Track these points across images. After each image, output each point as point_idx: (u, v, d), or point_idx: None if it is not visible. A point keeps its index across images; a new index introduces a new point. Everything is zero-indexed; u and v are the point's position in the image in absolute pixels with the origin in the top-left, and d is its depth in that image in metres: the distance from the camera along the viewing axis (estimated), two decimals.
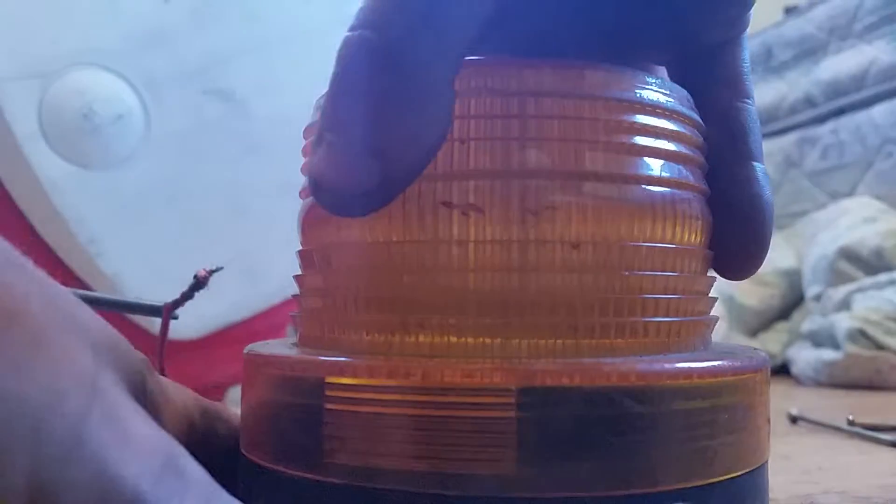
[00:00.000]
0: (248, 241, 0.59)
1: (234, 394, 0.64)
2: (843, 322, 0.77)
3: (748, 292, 0.93)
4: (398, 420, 0.16)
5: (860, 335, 0.75)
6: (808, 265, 0.90)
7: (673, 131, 0.19)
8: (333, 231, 0.19)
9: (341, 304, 0.19)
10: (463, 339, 0.17)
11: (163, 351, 0.31)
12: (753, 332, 0.93)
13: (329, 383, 0.17)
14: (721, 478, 0.17)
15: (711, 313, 0.21)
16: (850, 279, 0.84)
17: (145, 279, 0.54)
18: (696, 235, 0.19)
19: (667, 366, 0.17)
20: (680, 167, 0.19)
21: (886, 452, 0.44)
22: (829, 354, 0.77)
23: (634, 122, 0.18)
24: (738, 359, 0.18)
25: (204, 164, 0.59)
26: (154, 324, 0.53)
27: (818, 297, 0.87)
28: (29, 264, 0.14)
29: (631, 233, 0.18)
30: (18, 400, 0.12)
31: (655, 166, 0.18)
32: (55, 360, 0.13)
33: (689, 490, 0.16)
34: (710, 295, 0.21)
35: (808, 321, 0.86)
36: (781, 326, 0.95)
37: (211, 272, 0.31)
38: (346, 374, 0.17)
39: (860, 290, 0.81)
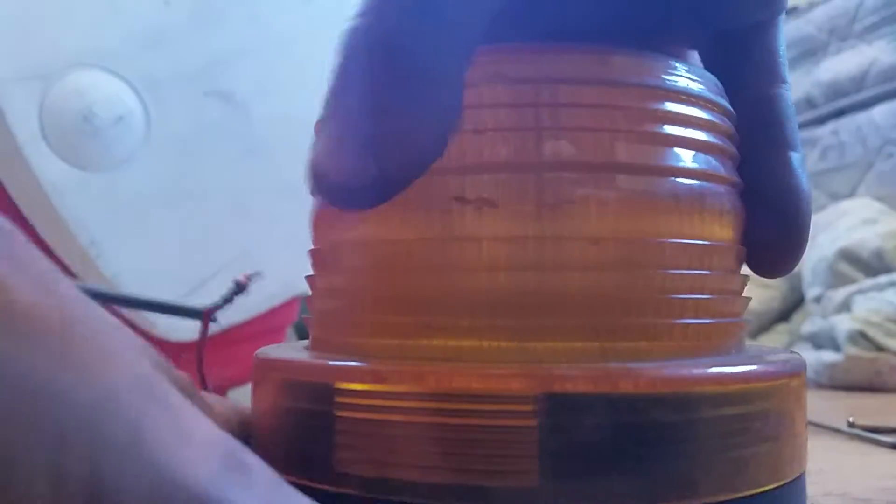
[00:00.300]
0: (249, 242, 0.59)
1: (235, 396, 0.63)
2: (843, 324, 0.77)
3: (748, 294, 0.93)
4: (409, 428, 0.15)
5: (860, 337, 0.75)
6: (808, 267, 0.90)
7: (702, 119, 0.18)
8: (343, 229, 0.18)
9: (352, 305, 0.18)
10: (477, 343, 0.16)
11: (201, 354, 0.31)
12: (754, 335, 0.93)
13: (338, 389, 0.16)
14: (755, 490, 0.16)
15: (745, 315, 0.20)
16: (851, 281, 0.84)
17: (146, 281, 0.54)
18: (727, 230, 0.18)
19: (695, 371, 0.15)
20: (710, 157, 0.18)
21: (887, 454, 0.44)
22: (829, 356, 0.77)
23: (661, 110, 0.17)
24: (771, 363, 0.17)
25: (204, 166, 0.59)
26: (155, 325, 0.53)
27: (818, 299, 0.87)
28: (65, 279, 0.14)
29: (657, 228, 0.17)
30: (74, 400, 0.12)
31: (684, 157, 0.17)
32: (109, 360, 0.13)
33: None
34: (743, 295, 0.20)
35: (808, 323, 0.86)
36: (782, 328, 0.95)
37: (250, 277, 0.32)
38: (354, 380, 0.16)
39: (860, 291, 0.81)
